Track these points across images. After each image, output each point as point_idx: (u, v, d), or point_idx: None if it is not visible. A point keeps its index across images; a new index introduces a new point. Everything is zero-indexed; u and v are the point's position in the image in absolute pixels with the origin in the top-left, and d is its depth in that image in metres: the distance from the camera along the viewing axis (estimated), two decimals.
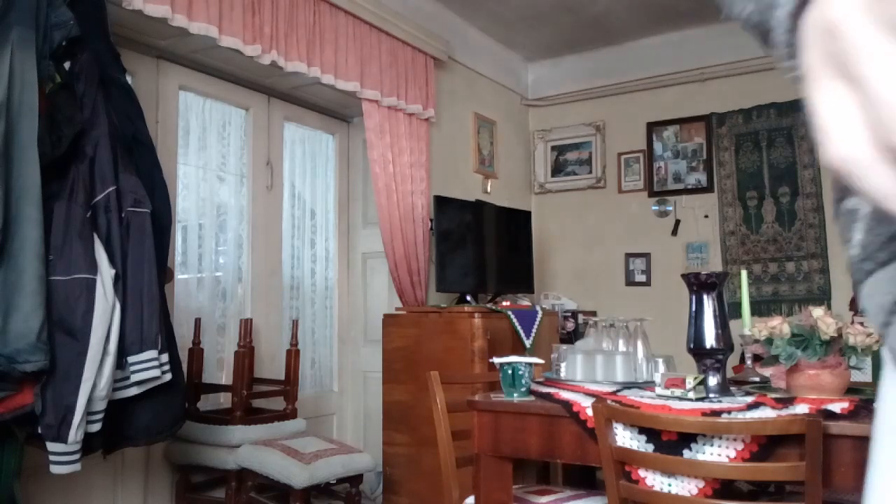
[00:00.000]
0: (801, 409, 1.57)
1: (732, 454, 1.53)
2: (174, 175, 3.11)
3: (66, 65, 2.18)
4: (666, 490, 1.59)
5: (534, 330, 3.84)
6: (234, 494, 2.84)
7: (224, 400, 3.23)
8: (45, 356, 1.95)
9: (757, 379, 2.10)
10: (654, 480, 1.61)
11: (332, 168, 4.12)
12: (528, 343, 3.78)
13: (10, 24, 2.01)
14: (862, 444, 1.44)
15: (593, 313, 4.13)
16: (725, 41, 4.59)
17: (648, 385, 1.96)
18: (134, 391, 2.20)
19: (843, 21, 0.35)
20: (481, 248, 4.14)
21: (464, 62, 4.56)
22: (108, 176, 2.17)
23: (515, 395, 1.92)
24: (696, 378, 1.75)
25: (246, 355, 2.96)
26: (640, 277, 4.88)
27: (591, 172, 5.14)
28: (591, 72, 5.09)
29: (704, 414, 1.56)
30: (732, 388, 1.87)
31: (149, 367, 2.17)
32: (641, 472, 1.63)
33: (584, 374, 2.07)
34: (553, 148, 5.31)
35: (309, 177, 4.00)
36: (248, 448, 2.81)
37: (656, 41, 4.83)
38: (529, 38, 4.88)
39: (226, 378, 3.35)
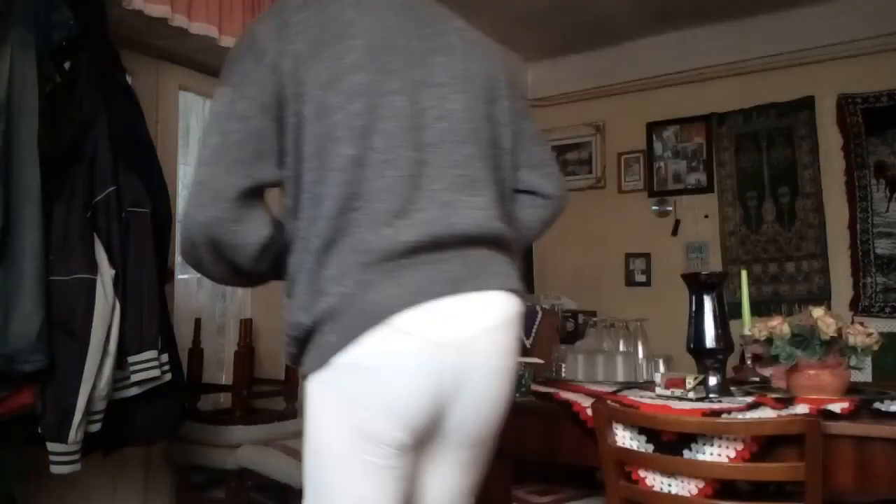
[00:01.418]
0: (801, 409, 1.57)
1: (732, 454, 1.53)
2: (174, 175, 3.11)
3: (66, 65, 2.18)
4: (666, 490, 1.59)
5: (534, 330, 3.84)
6: (234, 494, 2.84)
7: (224, 400, 3.23)
8: (45, 356, 1.95)
9: (757, 379, 2.10)
10: (654, 481, 1.61)
11: None
12: (528, 343, 3.77)
13: (9, 24, 2.01)
14: (862, 444, 1.44)
15: (593, 313, 4.13)
16: (725, 41, 4.59)
17: (648, 385, 1.96)
18: (134, 391, 2.20)
19: None
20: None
21: None
22: (107, 176, 2.17)
23: (516, 395, 1.92)
24: (696, 378, 1.75)
25: (246, 355, 2.96)
26: (640, 277, 4.88)
27: (591, 172, 5.14)
28: (591, 72, 5.09)
29: (704, 414, 1.56)
30: (732, 388, 1.87)
31: (149, 367, 2.17)
32: (641, 473, 1.63)
33: (584, 375, 2.07)
34: (553, 148, 5.31)
35: None
36: (248, 448, 2.81)
37: (656, 41, 4.83)
38: (529, 38, 4.88)
39: (226, 378, 3.35)
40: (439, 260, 1.14)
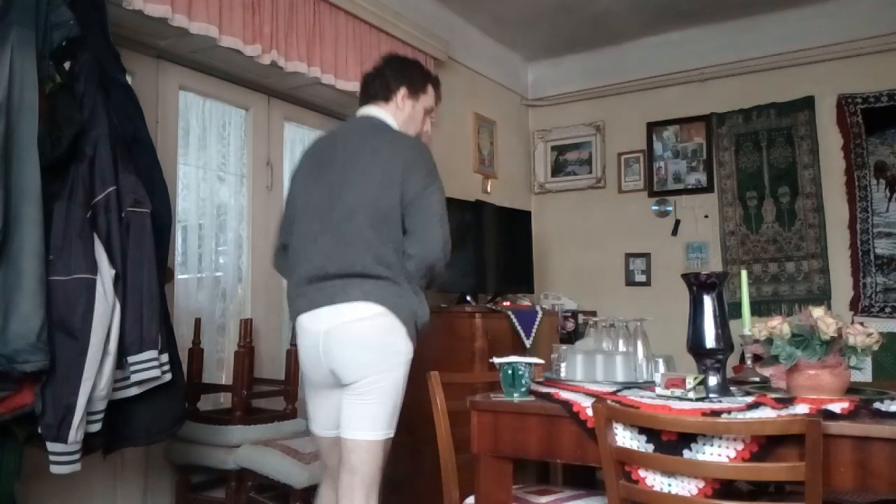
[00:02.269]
0: (801, 409, 1.57)
1: (732, 454, 1.53)
2: (174, 175, 3.10)
3: (66, 65, 2.18)
4: (666, 490, 1.59)
5: (534, 330, 3.84)
6: (234, 494, 2.84)
7: (224, 400, 3.23)
8: (45, 356, 1.95)
9: (757, 379, 2.10)
10: (654, 480, 1.61)
11: None
12: (528, 343, 3.77)
13: (10, 24, 2.01)
14: (862, 444, 1.44)
15: (593, 313, 4.13)
16: (725, 41, 4.59)
17: (648, 385, 1.96)
18: (134, 391, 2.20)
19: None
20: (481, 248, 4.14)
21: (464, 62, 4.56)
22: (107, 176, 2.17)
23: (515, 395, 1.92)
24: (696, 378, 1.75)
25: (246, 355, 2.96)
26: (640, 277, 4.88)
27: (591, 172, 5.14)
28: (591, 72, 5.09)
29: (704, 414, 1.56)
30: (732, 388, 1.87)
31: (149, 367, 2.17)
32: (641, 472, 1.63)
33: (584, 374, 2.07)
34: (553, 148, 5.31)
35: None
36: (248, 448, 2.81)
37: (656, 41, 4.83)
38: (529, 38, 4.88)
39: (226, 378, 3.35)
40: (325, 286, 2.05)
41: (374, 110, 2.27)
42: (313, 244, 2.10)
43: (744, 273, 2.25)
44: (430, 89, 2.36)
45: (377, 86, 2.30)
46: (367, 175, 2.09)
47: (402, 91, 2.28)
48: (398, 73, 2.30)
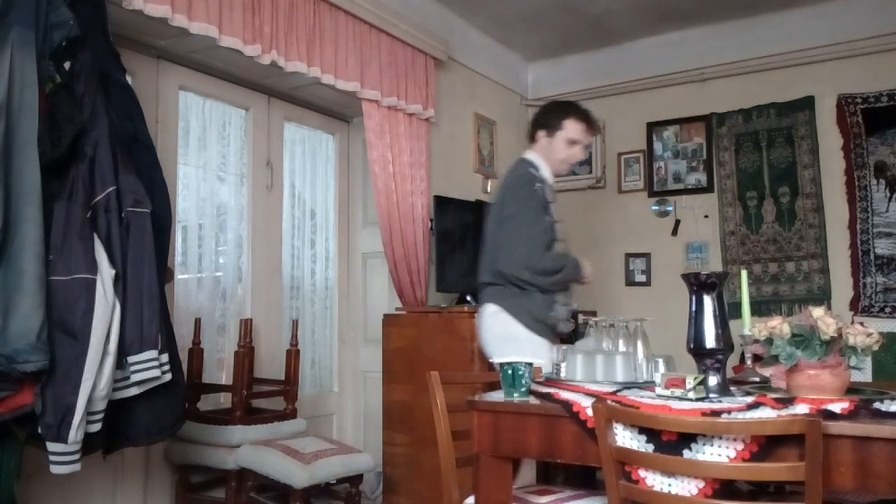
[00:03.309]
0: (801, 409, 1.57)
1: (732, 454, 1.53)
2: (174, 175, 3.11)
3: (66, 65, 2.18)
4: (666, 490, 1.59)
5: None
6: (234, 494, 2.84)
7: (224, 400, 3.23)
8: (45, 356, 1.95)
9: (757, 379, 2.10)
10: (654, 480, 1.61)
11: (332, 168, 4.12)
12: None
13: (10, 24, 2.01)
14: (862, 444, 1.44)
15: (593, 313, 4.13)
16: (725, 41, 4.59)
17: (648, 385, 1.96)
18: (134, 391, 2.20)
19: None
20: (481, 248, 4.13)
21: (464, 62, 4.56)
22: (108, 176, 2.17)
23: (515, 395, 1.92)
24: (696, 378, 1.74)
25: (246, 355, 2.96)
26: (640, 277, 4.88)
27: (591, 172, 5.14)
28: (591, 72, 5.09)
29: (704, 414, 1.56)
30: (732, 388, 1.87)
31: (149, 367, 2.17)
32: (641, 472, 1.63)
33: (584, 374, 2.07)
34: None
35: (309, 177, 4.01)
36: (248, 448, 2.81)
37: (656, 41, 4.83)
38: (529, 38, 4.88)
39: (226, 378, 3.35)
40: (480, 291, 2.85)
41: (526, 152, 2.93)
42: (481, 262, 2.89)
43: (744, 273, 2.25)
44: (566, 124, 2.82)
45: (528, 132, 2.94)
46: (493, 212, 2.81)
47: (540, 132, 2.87)
48: (537, 118, 2.92)
